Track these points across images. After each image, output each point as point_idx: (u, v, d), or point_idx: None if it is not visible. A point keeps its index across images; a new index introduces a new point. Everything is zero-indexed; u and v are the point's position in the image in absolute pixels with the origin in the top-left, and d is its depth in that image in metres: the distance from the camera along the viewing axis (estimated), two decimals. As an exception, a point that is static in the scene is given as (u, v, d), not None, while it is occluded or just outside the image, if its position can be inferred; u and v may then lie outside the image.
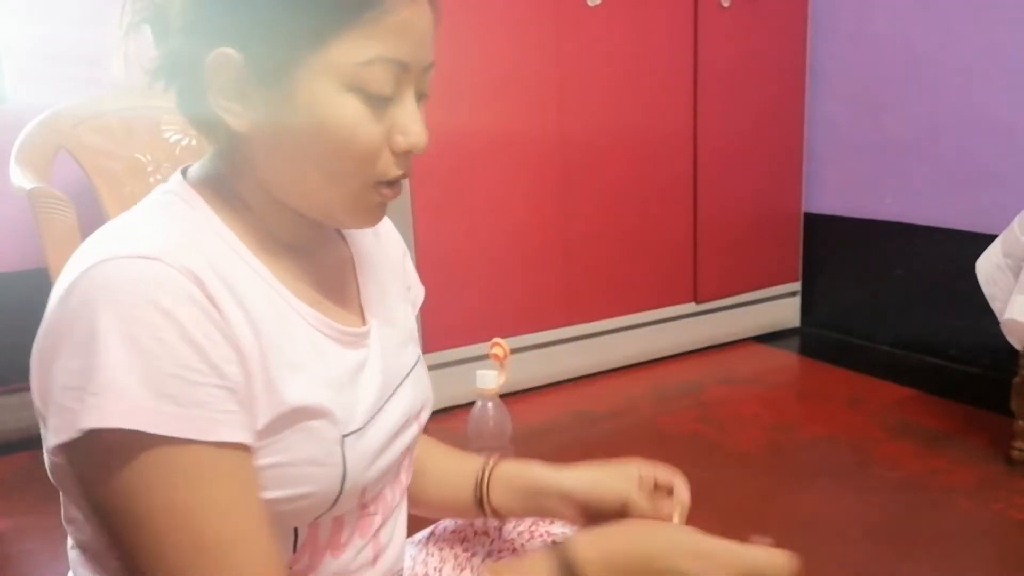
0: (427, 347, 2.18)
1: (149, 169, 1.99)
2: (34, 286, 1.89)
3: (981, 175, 2.36)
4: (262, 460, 0.61)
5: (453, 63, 2.08)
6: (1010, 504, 1.68)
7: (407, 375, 0.79)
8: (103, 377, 0.54)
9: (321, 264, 0.73)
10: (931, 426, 2.07)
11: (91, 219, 1.87)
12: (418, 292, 0.91)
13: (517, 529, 0.93)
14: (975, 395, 2.22)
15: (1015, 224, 1.76)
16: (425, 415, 0.82)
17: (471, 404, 1.72)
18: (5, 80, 2.03)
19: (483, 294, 2.27)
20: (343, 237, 0.79)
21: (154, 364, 0.54)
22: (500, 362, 1.70)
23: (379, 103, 0.63)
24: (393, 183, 0.67)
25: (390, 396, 0.75)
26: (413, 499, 0.90)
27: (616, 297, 2.50)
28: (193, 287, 0.57)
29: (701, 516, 1.82)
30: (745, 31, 2.55)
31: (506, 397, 1.77)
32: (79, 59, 2.05)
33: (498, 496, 0.87)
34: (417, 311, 0.89)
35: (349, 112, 0.62)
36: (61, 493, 0.66)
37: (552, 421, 2.21)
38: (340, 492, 0.66)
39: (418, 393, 0.81)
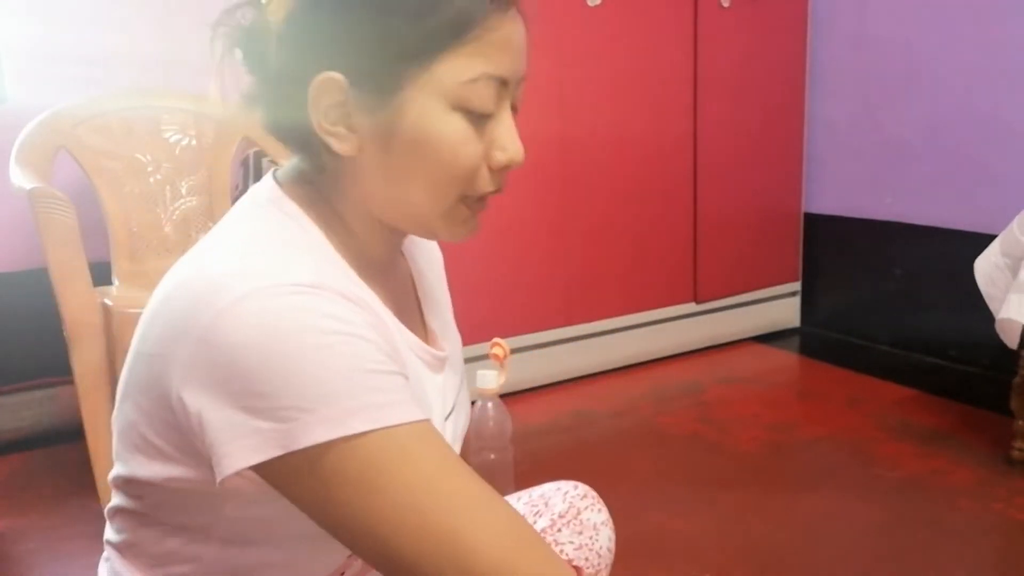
0: (427, 347, 2.18)
1: (149, 169, 2.00)
2: (34, 286, 1.90)
3: (981, 175, 2.36)
4: None
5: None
6: (1010, 504, 1.68)
7: (458, 396, 0.80)
8: (312, 393, 0.54)
9: (397, 283, 0.75)
10: (931, 426, 2.07)
11: (91, 219, 1.88)
12: None
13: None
14: (975, 395, 2.22)
15: (1014, 224, 1.76)
16: (463, 433, 0.83)
17: (471, 404, 1.72)
18: (5, 80, 2.03)
19: (483, 294, 2.27)
20: (403, 255, 0.80)
21: (356, 364, 0.56)
22: (500, 362, 1.70)
23: (480, 120, 0.63)
24: (486, 197, 0.68)
25: (444, 420, 0.76)
26: None
27: (616, 297, 2.50)
28: (349, 303, 0.59)
29: (701, 515, 1.83)
30: (745, 31, 2.55)
31: (506, 397, 1.77)
32: (79, 59, 2.05)
33: None
34: None
35: (454, 130, 0.62)
36: (127, 498, 0.67)
37: (552, 421, 2.21)
38: None
39: (465, 413, 0.82)
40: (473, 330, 2.29)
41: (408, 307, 0.75)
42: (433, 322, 0.79)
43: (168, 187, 2.02)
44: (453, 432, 0.78)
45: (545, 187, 2.32)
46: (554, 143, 2.30)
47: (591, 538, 0.94)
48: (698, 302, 2.66)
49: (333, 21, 0.61)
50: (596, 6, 2.27)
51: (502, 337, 1.74)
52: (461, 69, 0.61)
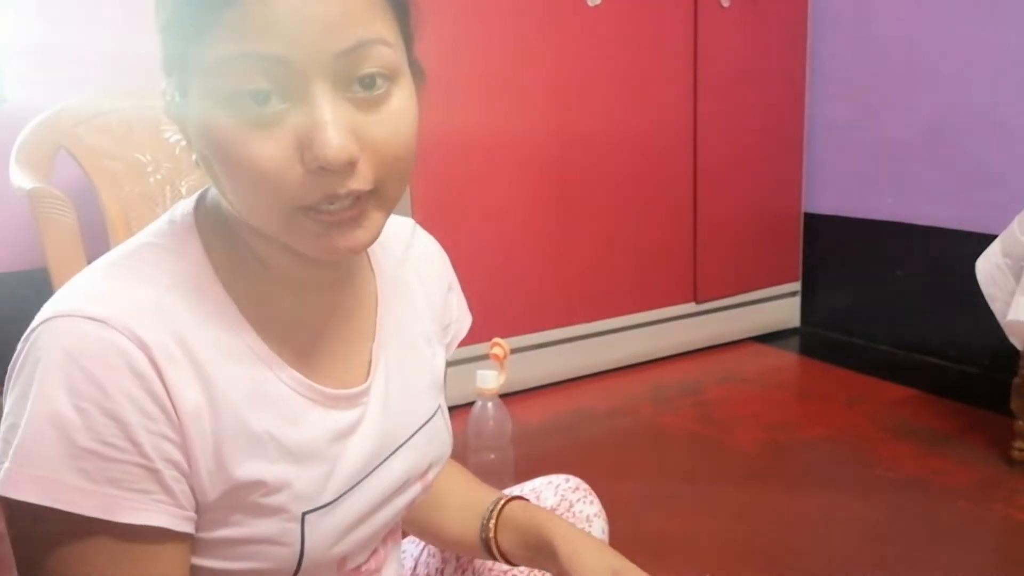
0: (427, 347, 2.17)
1: (149, 169, 1.99)
2: (34, 286, 1.89)
3: (981, 175, 2.36)
4: (210, 533, 0.60)
5: (453, 63, 2.08)
6: (1010, 504, 1.68)
7: (415, 433, 0.73)
8: (23, 442, 0.53)
9: (328, 305, 0.67)
10: (931, 426, 2.07)
11: (91, 219, 1.88)
12: (461, 327, 0.85)
13: None
14: (975, 395, 2.22)
15: (1015, 224, 1.76)
16: (432, 474, 0.76)
17: (471, 404, 1.72)
18: (5, 80, 2.03)
19: (483, 294, 2.26)
20: (372, 270, 0.73)
21: (71, 435, 0.53)
22: (500, 362, 1.70)
23: (268, 114, 0.53)
24: (354, 202, 0.56)
25: (386, 458, 0.69)
26: (427, 532, 0.87)
27: (616, 297, 2.50)
28: (138, 354, 0.54)
29: (701, 515, 1.83)
30: (745, 31, 2.55)
31: (506, 397, 1.77)
32: (79, 59, 2.05)
33: (505, 540, 0.81)
34: (456, 344, 0.84)
35: (229, 131, 0.53)
36: None
37: (552, 421, 2.21)
38: (297, 570, 0.63)
39: (427, 452, 0.74)
40: (473, 330, 2.29)
41: (339, 333, 0.68)
42: (382, 351, 0.70)
43: (168, 187, 2.02)
44: (409, 471, 0.72)
45: (545, 187, 2.31)
46: (554, 143, 2.30)
47: (584, 529, 0.93)
48: (698, 302, 2.66)
49: (158, 14, 0.57)
50: (596, 6, 2.27)
51: (502, 337, 1.75)
52: (219, 52, 0.52)
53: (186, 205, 0.64)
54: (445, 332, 0.82)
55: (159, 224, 0.64)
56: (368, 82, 0.54)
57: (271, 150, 0.53)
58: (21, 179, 1.70)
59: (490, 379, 1.68)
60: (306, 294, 0.65)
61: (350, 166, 0.54)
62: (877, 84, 2.59)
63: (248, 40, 0.51)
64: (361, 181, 0.55)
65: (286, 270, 0.63)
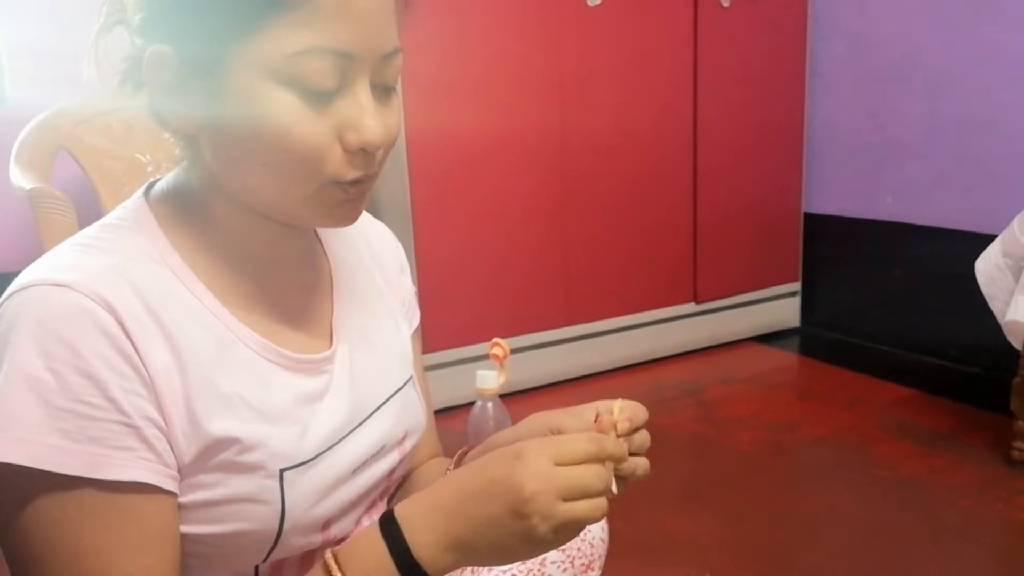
0: (427, 347, 2.18)
1: (149, 169, 1.99)
2: (34, 286, 1.89)
3: (981, 175, 2.36)
4: (192, 496, 0.60)
5: (453, 63, 2.08)
6: (1010, 504, 1.68)
7: (387, 400, 0.75)
8: (1, 408, 0.54)
9: (289, 281, 0.70)
10: (931, 426, 2.07)
11: (91, 219, 1.87)
12: (415, 315, 0.86)
13: None
14: (975, 395, 2.22)
15: (1015, 224, 1.76)
16: (410, 443, 0.78)
17: (471, 404, 1.72)
18: (5, 80, 2.03)
19: (483, 294, 2.27)
20: (324, 252, 0.76)
21: (48, 397, 0.54)
22: (500, 362, 1.70)
23: (322, 98, 0.58)
24: (357, 182, 0.62)
25: (359, 424, 0.71)
26: None
27: (616, 297, 2.50)
28: (104, 315, 0.56)
29: (701, 515, 1.83)
30: (745, 31, 2.55)
31: (506, 397, 1.77)
32: (79, 59, 2.05)
33: None
34: (412, 332, 0.85)
35: (283, 109, 0.57)
36: None
37: (552, 421, 2.21)
38: (280, 530, 0.63)
39: (402, 419, 0.76)
40: (473, 330, 2.30)
41: (299, 307, 0.70)
42: (343, 325, 0.73)
43: (168, 187, 2.02)
44: (383, 438, 0.73)
45: (545, 187, 2.31)
46: (554, 143, 2.30)
47: (584, 528, 0.93)
48: (698, 302, 2.66)
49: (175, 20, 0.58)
50: (596, 6, 2.27)
51: (502, 337, 1.74)
52: (285, 41, 0.56)
53: (134, 196, 0.67)
54: (403, 309, 0.84)
55: (113, 212, 0.66)
56: (386, 86, 0.62)
57: (317, 132, 0.58)
58: (21, 179, 1.70)
59: (490, 379, 1.68)
60: (268, 270, 0.68)
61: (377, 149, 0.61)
62: (877, 84, 2.59)
63: (312, 34, 0.56)
64: (377, 164, 0.62)
65: (253, 248, 0.67)
